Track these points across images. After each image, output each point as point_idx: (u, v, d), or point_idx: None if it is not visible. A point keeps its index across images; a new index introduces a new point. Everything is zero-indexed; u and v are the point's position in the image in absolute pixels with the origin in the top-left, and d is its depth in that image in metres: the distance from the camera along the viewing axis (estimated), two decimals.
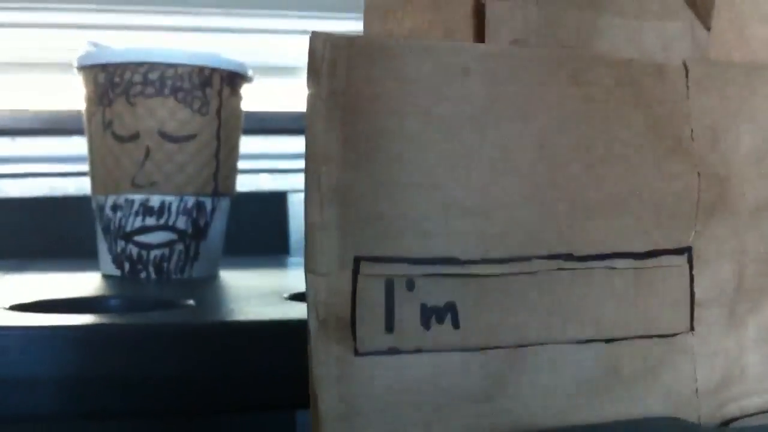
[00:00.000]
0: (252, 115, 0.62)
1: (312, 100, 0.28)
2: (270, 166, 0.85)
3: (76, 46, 0.61)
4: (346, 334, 0.28)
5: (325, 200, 0.28)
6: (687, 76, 0.32)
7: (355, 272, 0.28)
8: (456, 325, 0.29)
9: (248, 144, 0.63)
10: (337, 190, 0.28)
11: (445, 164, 0.29)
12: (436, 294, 0.29)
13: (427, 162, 0.29)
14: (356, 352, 0.28)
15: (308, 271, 0.29)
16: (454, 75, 0.29)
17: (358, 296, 0.28)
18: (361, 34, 0.30)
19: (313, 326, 0.28)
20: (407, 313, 0.29)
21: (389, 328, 0.29)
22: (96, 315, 0.41)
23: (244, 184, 0.64)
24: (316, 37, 0.28)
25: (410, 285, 0.29)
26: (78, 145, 0.79)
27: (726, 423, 0.33)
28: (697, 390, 0.32)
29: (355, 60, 0.28)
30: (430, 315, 0.29)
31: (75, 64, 0.58)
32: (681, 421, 0.31)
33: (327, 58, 0.28)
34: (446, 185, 0.29)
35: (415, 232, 0.29)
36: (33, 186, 0.84)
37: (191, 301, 0.46)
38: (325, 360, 0.28)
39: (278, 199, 0.86)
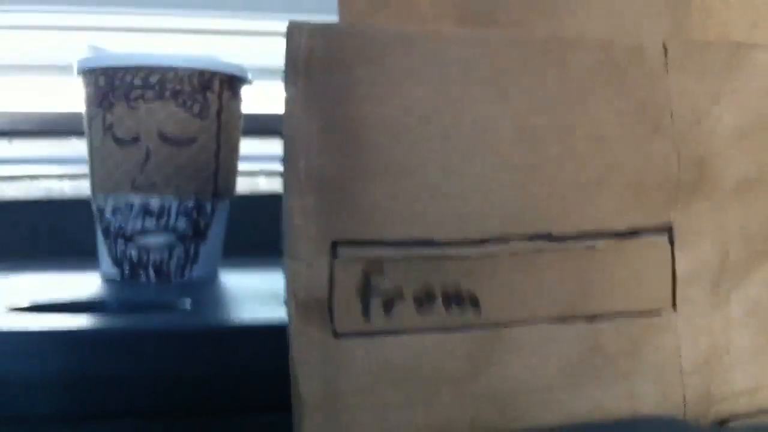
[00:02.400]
0: (249, 117, 0.62)
1: (290, 88, 0.29)
2: (267, 168, 0.85)
3: (73, 47, 0.61)
4: (324, 317, 0.29)
5: (303, 186, 0.29)
6: (666, 56, 0.32)
7: (333, 256, 0.29)
8: (436, 306, 0.30)
9: (245, 146, 0.63)
10: (315, 175, 0.29)
11: (422, 147, 0.29)
12: (415, 276, 0.29)
13: (404, 146, 0.29)
14: (335, 335, 0.29)
15: (287, 255, 0.29)
16: (432, 60, 0.29)
17: (335, 279, 0.29)
18: (337, 22, 0.30)
19: (292, 310, 0.29)
20: (386, 295, 0.29)
21: (367, 310, 0.29)
22: (92, 317, 0.41)
23: (241, 185, 0.64)
24: (293, 27, 0.29)
25: (388, 267, 0.29)
26: (75, 147, 0.79)
27: (722, 423, 0.33)
28: (681, 368, 0.32)
29: (332, 48, 0.29)
30: (409, 296, 0.29)
31: (75, 67, 0.58)
32: (677, 422, 0.32)
33: (304, 47, 0.29)
34: (423, 168, 0.29)
35: (392, 214, 0.29)
36: (30, 188, 0.83)
37: (188, 304, 0.46)
38: (305, 343, 0.29)
39: (276, 200, 0.86)
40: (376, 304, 0.29)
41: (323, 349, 0.28)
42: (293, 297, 0.29)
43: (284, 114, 0.29)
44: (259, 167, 0.85)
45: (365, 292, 0.29)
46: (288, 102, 0.29)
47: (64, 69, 0.63)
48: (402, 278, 0.29)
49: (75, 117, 0.62)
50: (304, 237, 0.29)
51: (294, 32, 0.28)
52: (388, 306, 0.29)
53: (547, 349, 0.31)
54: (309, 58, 0.29)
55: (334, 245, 0.29)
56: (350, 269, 0.29)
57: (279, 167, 0.81)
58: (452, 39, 0.30)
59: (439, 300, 0.29)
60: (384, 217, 0.29)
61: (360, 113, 0.29)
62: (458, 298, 0.30)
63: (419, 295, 0.29)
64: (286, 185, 0.29)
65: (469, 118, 0.30)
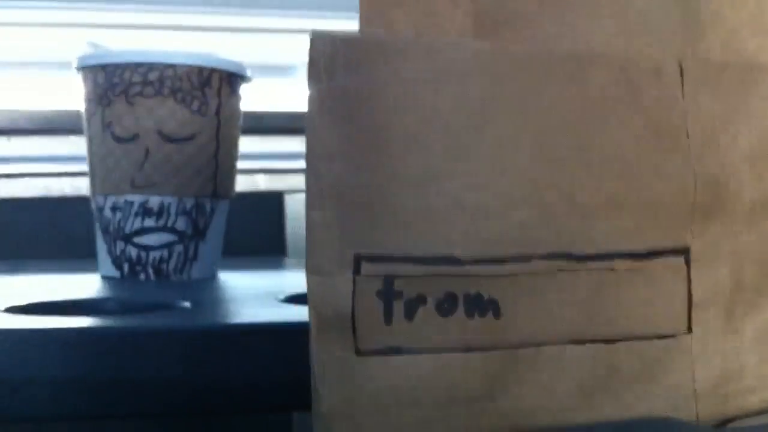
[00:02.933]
0: (248, 115, 0.62)
1: (312, 98, 0.28)
2: (266, 166, 0.85)
3: (72, 45, 0.61)
4: (347, 333, 0.28)
5: (325, 198, 0.28)
6: (682, 76, 0.32)
7: (355, 271, 0.28)
8: (457, 325, 0.29)
9: (244, 144, 0.63)
10: (338, 187, 0.28)
11: (444, 162, 0.29)
12: (436, 293, 0.29)
13: (426, 160, 0.29)
14: (357, 352, 0.28)
15: (309, 270, 0.29)
16: (453, 73, 0.29)
17: (357, 295, 0.28)
18: (358, 31, 0.30)
19: (313, 325, 0.29)
20: (407, 312, 0.29)
21: (389, 315, 0.29)
22: (91, 318, 0.41)
23: (240, 184, 0.64)
24: (316, 36, 0.28)
25: (409, 284, 0.29)
26: (74, 145, 0.78)
27: (723, 423, 0.33)
28: (695, 391, 0.32)
29: (355, 58, 0.28)
30: (430, 315, 0.29)
31: (74, 64, 0.58)
32: (677, 421, 0.32)
33: (327, 56, 0.28)
34: (445, 183, 0.29)
35: (415, 229, 0.29)
36: (29, 186, 0.83)
37: (187, 304, 0.46)
38: (326, 359, 0.28)
39: (275, 199, 0.86)
40: (398, 309, 0.29)
41: (344, 365, 0.28)
42: (314, 312, 0.28)
43: (306, 122, 0.28)
44: (258, 165, 0.85)
45: (388, 309, 0.29)
46: (310, 110, 0.28)
47: (62, 66, 0.63)
48: (423, 296, 0.29)
49: (74, 114, 0.62)
50: (326, 250, 0.28)
51: (317, 41, 0.28)
52: (410, 310, 0.29)
53: (563, 369, 0.31)
54: (331, 66, 0.28)
55: (357, 260, 0.28)
56: (373, 285, 0.29)
57: (278, 165, 0.82)
58: (475, 52, 0.30)
59: (461, 306, 0.29)
60: (406, 232, 0.29)
61: (382, 124, 0.29)
62: (480, 305, 0.29)
63: (440, 313, 0.29)
64: (308, 196, 0.29)
65: (490, 133, 0.30)
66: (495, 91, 0.30)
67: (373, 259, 0.29)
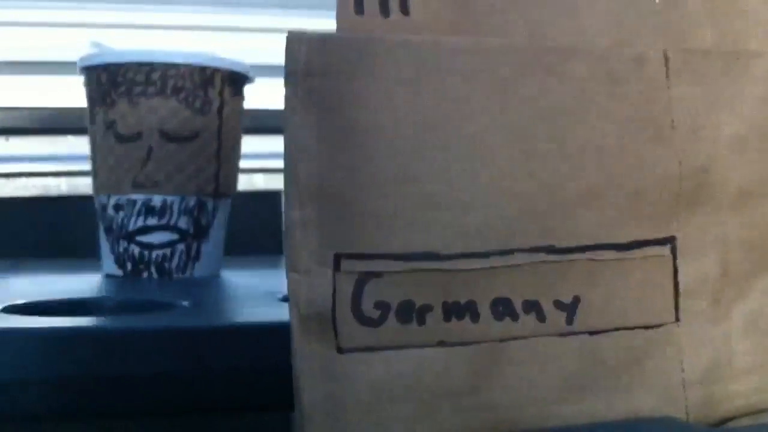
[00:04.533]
0: (248, 114, 0.62)
1: (289, 98, 0.29)
2: (265, 165, 0.85)
3: (73, 44, 0.61)
4: (327, 331, 0.29)
5: (303, 197, 0.28)
6: (667, 65, 0.32)
7: (335, 269, 0.29)
8: (439, 319, 0.30)
9: (244, 143, 0.63)
10: (316, 186, 0.28)
11: (423, 158, 0.29)
12: (417, 289, 0.29)
13: (404, 157, 0.29)
14: (338, 349, 0.29)
15: (289, 269, 0.29)
16: (430, 70, 0.29)
17: (337, 293, 0.29)
18: (335, 31, 0.30)
19: (295, 324, 0.29)
20: (388, 309, 0.29)
21: (370, 324, 0.29)
22: (90, 317, 0.41)
23: (239, 183, 0.64)
24: (292, 37, 0.29)
25: (390, 280, 0.29)
26: (73, 144, 0.78)
27: (719, 423, 0.33)
28: (683, 380, 0.32)
29: (332, 58, 0.29)
30: (411, 310, 0.29)
31: (77, 64, 0.58)
32: (675, 421, 0.32)
33: (303, 57, 0.28)
34: (424, 179, 0.29)
35: (394, 227, 0.29)
36: (27, 186, 0.83)
37: (186, 303, 0.46)
38: (308, 357, 0.29)
39: (274, 198, 0.86)
40: (380, 320, 0.29)
41: (325, 363, 0.29)
42: (295, 310, 0.29)
43: (284, 123, 0.29)
44: (257, 165, 0.85)
45: (370, 307, 0.29)
46: (287, 111, 0.29)
47: (62, 66, 0.63)
48: (405, 292, 0.29)
49: (72, 114, 0.62)
50: (305, 250, 0.29)
51: (293, 41, 0.28)
52: (392, 321, 0.29)
53: (548, 362, 0.31)
54: (308, 67, 0.28)
55: (337, 258, 0.28)
56: (354, 283, 0.29)
57: (277, 165, 0.81)
58: (452, 48, 0.30)
59: (442, 313, 0.29)
60: (386, 229, 0.29)
61: (359, 123, 0.29)
62: (460, 311, 0.30)
63: (422, 308, 0.29)
64: (286, 196, 0.29)
65: (468, 129, 0.30)
66: (473, 87, 0.30)
67: (353, 257, 0.29)
